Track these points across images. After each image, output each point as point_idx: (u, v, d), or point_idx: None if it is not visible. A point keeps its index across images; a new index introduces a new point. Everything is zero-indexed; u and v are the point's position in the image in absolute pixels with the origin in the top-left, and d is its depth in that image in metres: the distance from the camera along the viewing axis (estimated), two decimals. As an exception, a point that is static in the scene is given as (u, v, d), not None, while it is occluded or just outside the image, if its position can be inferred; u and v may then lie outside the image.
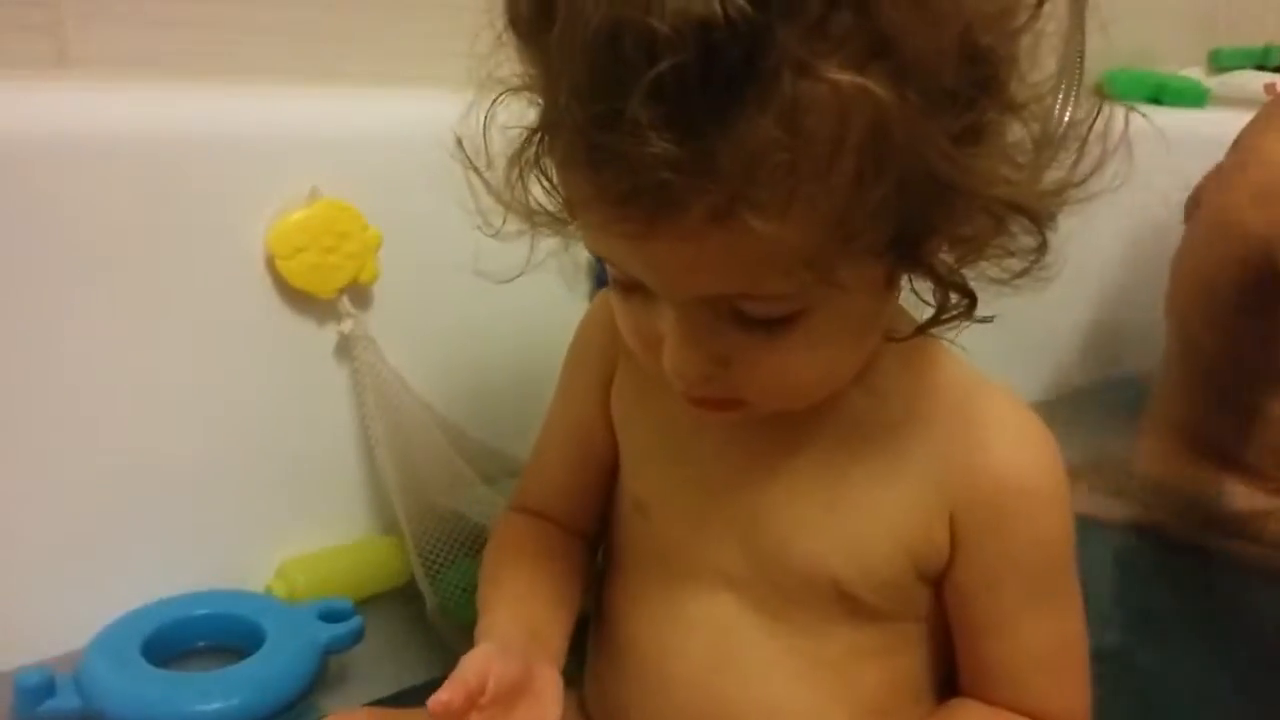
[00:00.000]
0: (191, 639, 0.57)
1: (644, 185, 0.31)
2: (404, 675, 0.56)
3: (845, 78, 0.30)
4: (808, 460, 0.42)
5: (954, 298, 0.38)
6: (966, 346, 0.42)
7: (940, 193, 0.33)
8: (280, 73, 0.68)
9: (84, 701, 0.51)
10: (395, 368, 0.64)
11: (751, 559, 0.43)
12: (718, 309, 0.36)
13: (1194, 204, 0.91)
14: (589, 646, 0.49)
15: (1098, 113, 0.36)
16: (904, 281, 0.39)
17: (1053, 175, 0.35)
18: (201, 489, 0.61)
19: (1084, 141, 0.35)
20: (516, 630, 0.43)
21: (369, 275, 0.63)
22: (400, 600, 0.63)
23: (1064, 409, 0.97)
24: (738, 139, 0.30)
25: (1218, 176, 0.83)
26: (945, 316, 0.38)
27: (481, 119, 0.39)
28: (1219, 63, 1.24)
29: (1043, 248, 0.36)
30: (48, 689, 0.50)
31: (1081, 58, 0.41)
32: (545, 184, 0.38)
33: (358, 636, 0.57)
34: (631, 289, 0.38)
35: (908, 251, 0.36)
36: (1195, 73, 1.20)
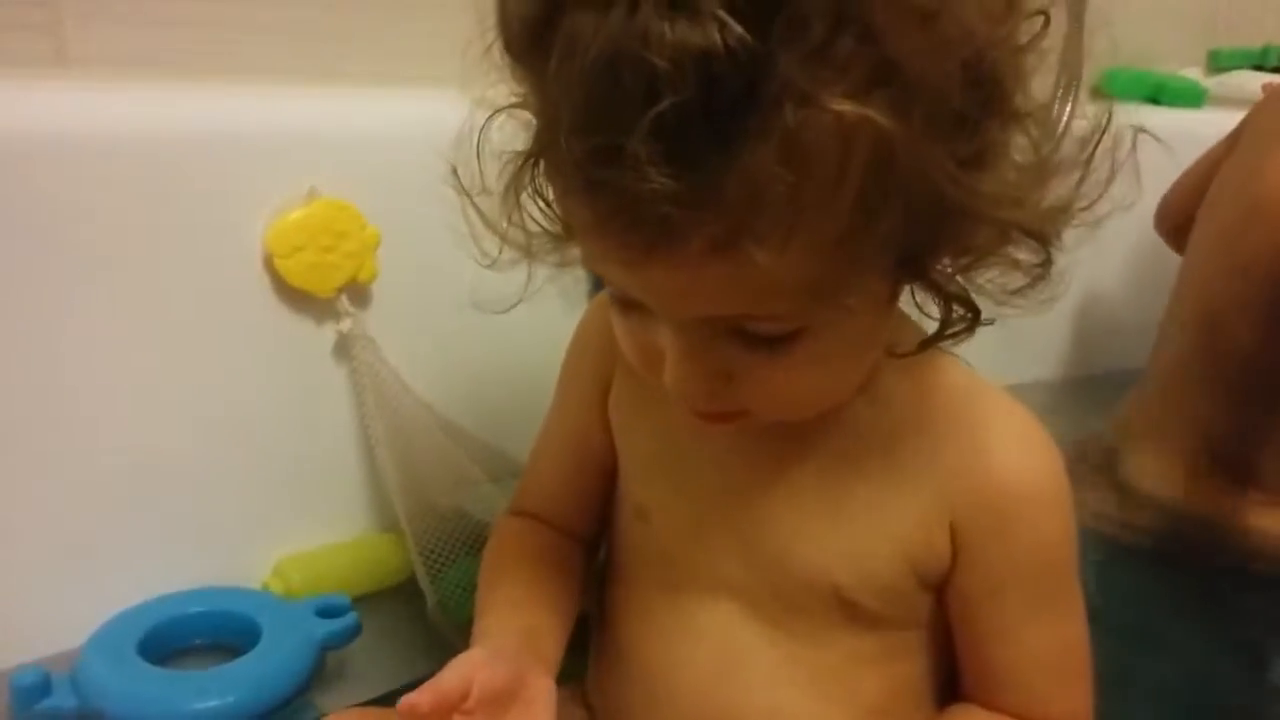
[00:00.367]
0: (188, 636, 0.57)
1: (643, 218, 0.30)
2: (402, 671, 0.56)
3: (848, 107, 0.29)
4: (809, 467, 0.42)
5: (957, 311, 0.37)
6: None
7: (947, 216, 0.33)
8: (280, 72, 0.69)
9: (80, 700, 0.51)
10: (394, 367, 0.64)
11: (753, 566, 0.43)
12: (718, 327, 0.36)
13: (1164, 214, 0.89)
14: (591, 651, 0.49)
15: (1103, 131, 0.35)
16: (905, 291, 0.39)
17: (1058, 193, 0.35)
18: (199, 487, 0.61)
19: (1090, 157, 0.35)
20: (512, 635, 0.43)
21: (368, 274, 0.63)
22: (397, 598, 0.63)
23: (1042, 397, 0.97)
24: (739, 171, 0.29)
25: (1233, 169, 0.81)
26: (949, 332, 0.38)
27: (475, 142, 0.39)
28: (1217, 63, 1.24)
29: (1047, 265, 0.36)
30: (44, 688, 0.51)
31: (1081, 59, 0.41)
32: (542, 205, 0.38)
33: (354, 632, 0.57)
34: (630, 306, 0.38)
35: (913, 270, 0.36)
36: (1194, 73, 1.20)
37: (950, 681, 0.45)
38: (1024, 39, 0.33)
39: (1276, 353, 0.75)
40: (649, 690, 0.45)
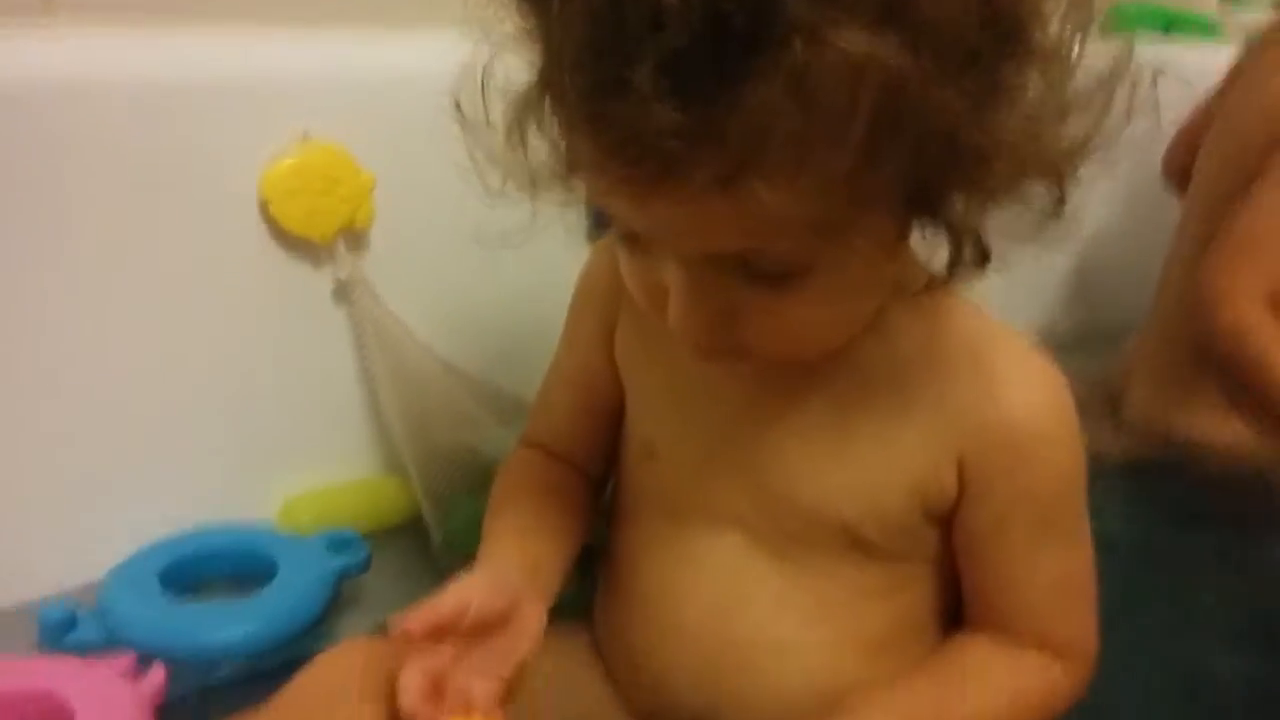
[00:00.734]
0: (206, 572, 0.59)
1: (648, 152, 0.30)
2: (410, 602, 0.58)
3: (857, 45, 0.28)
4: (816, 402, 0.42)
5: (967, 250, 0.37)
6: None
7: (959, 155, 0.32)
8: (272, 17, 0.68)
9: (106, 633, 0.52)
10: (394, 311, 0.65)
11: (760, 500, 0.43)
12: (723, 263, 0.35)
13: (1172, 158, 0.89)
14: (599, 590, 0.50)
15: (1123, 67, 0.34)
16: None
17: (1075, 130, 0.34)
18: (207, 432, 0.62)
19: (1109, 97, 0.34)
20: (514, 562, 0.43)
21: (364, 219, 0.64)
22: (404, 534, 0.65)
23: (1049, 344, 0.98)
24: (745, 107, 0.29)
25: (1238, 99, 0.81)
26: (958, 270, 0.37)
27: (479, 76, 0.38)
28: (1234, -3, 1.19)
29: (1060, 204, 0.35)
30: (70, 622, 0.52)
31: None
32: (547, 140, 0.37)
33: (366, 564, 0.59)
34: (635, 241, 0.38)
35: (923, 207, 0.35)
36: (1209, 3, 1.16)
37: (954, 613, 0.45)
38: None
39: None
40: (655, 623, 0.45)
